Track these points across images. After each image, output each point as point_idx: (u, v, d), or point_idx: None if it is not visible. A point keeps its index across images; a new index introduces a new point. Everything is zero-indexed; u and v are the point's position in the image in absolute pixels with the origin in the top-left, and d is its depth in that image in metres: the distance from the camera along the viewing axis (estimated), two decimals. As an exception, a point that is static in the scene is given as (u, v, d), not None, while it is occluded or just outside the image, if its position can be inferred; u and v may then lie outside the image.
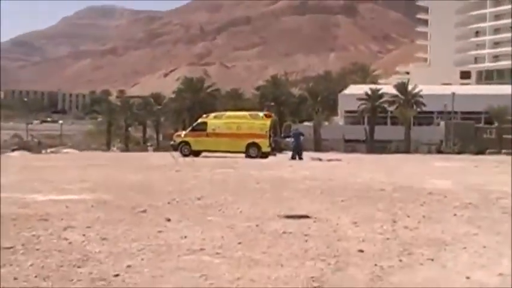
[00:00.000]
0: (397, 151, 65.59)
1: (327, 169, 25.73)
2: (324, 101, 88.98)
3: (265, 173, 22.13)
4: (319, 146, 70.91)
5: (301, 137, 38.75)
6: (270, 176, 20.38)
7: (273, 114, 43.22)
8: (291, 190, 15.94)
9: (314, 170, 24.33)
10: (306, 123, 77.05)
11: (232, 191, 15.71)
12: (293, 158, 37.09)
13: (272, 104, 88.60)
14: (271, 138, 38.90)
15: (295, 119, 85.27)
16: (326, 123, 79.86)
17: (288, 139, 44.97)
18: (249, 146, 38.62)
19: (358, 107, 75.79)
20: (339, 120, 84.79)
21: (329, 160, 36.03)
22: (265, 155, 38.12)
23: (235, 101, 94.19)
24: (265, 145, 38.65)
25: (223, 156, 37.39)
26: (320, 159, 36.53)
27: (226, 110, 51.57)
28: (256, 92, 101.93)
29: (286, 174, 21.77)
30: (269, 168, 24.94)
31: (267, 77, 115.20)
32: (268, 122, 39.27)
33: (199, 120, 41.44)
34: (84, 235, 9.56)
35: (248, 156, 37.79)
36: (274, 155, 39.24)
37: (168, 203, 13.20)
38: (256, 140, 38.53)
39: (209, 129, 39.74)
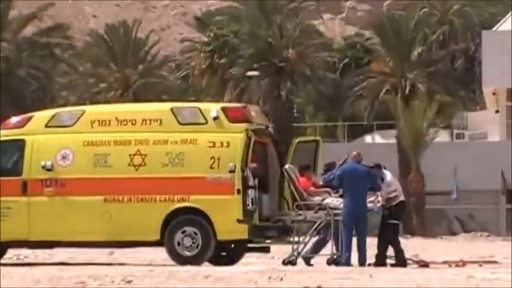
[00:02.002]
0: None
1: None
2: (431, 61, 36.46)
3: None
4: (420, 212, 31.59)
5: (382, 182, 13.87)
6: None
7: (255, 111, 15.45)
8: None
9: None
10: (370, 138, 34.04)
11: None
12: (335, 261, 13.60)
13: (256, 72, 39.67)
14: (256, 193, 13.88)
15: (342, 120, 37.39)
16: (442, 136, 33.46)
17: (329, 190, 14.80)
18: (172, 221, 13.91)
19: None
20: (488, 121, 35.76)
21: (454, 265, 14.57)
22: (232, 253, 14.63)
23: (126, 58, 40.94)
24: (230, 217, 13.66)
25: (79, 261, 15.21)
26: (425, 265, 14.23)
27: (88, 102, 23.79)
28: (192, 31, 39.64)
29: None
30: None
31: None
32: (239, 136, 13.79)
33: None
34: None
35: (174, 255, 13.91)
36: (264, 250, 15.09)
37: None
38: (198, 201, 13.81)
39: (29, 169, 14.32)
